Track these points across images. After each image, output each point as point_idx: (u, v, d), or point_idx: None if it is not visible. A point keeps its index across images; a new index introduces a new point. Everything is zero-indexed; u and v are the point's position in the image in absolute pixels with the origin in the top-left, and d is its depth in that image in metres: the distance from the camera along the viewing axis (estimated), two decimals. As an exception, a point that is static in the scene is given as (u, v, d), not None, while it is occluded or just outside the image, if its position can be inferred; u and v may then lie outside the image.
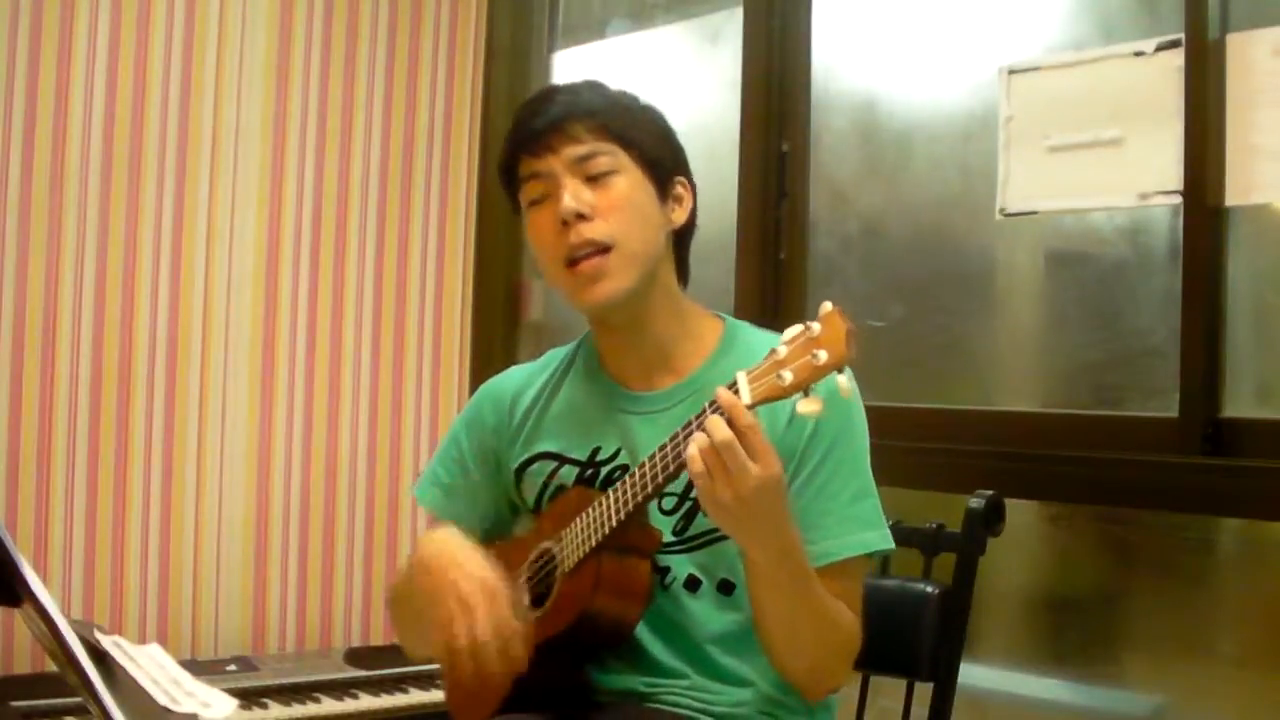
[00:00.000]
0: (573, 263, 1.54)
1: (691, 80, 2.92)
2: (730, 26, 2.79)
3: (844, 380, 1.29)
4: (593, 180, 1.55)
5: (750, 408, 1.32)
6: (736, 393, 1.33)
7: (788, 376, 1.29)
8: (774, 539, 1.39)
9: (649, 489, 1.43)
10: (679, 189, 1.62)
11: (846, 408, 1.52)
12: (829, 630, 1.48)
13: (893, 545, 1.56)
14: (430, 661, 1.80)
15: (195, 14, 2.85)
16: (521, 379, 1.74)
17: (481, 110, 3.23)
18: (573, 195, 1.53)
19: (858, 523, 1.53)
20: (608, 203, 1.54)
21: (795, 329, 1.31)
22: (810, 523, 1.49)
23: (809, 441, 1.52)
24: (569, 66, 3.27)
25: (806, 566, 1.44)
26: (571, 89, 1.62)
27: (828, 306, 1.30)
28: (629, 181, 1.56)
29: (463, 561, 1.50)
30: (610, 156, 1.55)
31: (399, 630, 1.78)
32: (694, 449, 1.35)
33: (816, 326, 1.29)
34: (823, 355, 1.27)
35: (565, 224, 1.53)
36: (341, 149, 3.05)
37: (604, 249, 1.53)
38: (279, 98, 2.96)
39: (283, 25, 2.97)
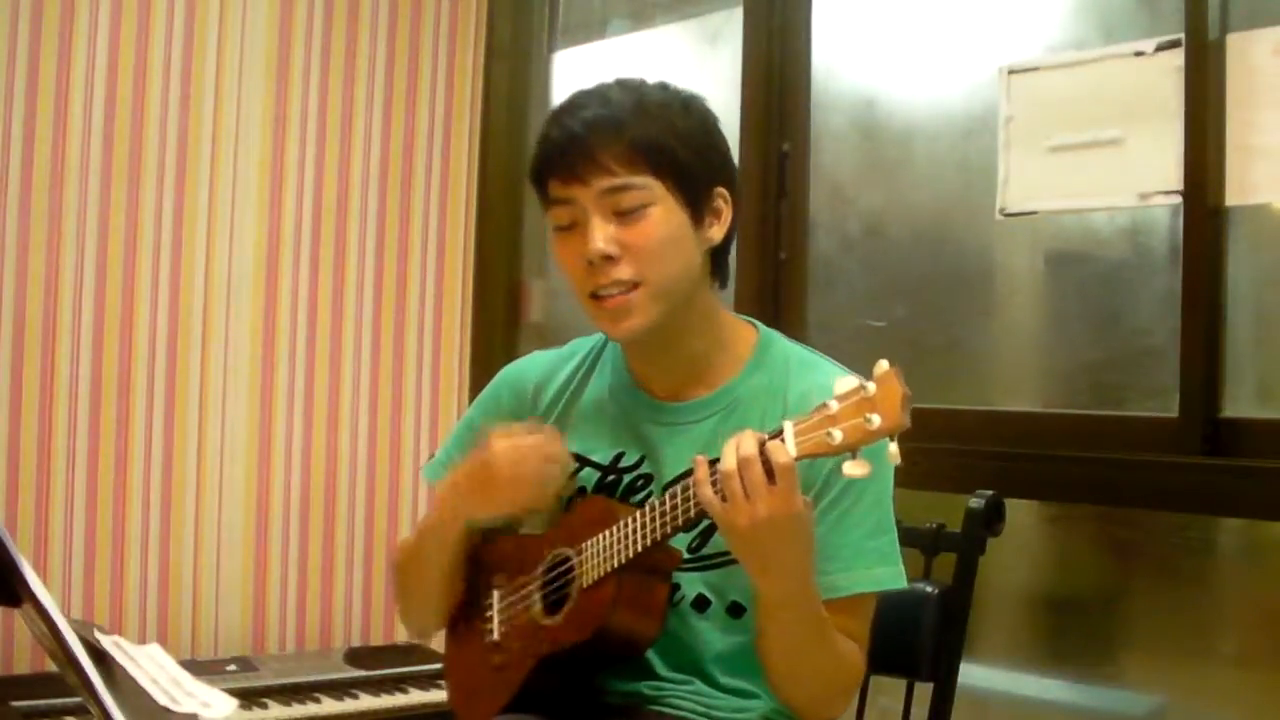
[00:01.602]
0: (597, 296, 1.50)
1: (691, 80, 2.89)
2: (730, 26, 2.79)
3: (894, 449, 1.24)
4: (622, 214, 1.47)
5: (795, 460, 1.30)
6: (781, 441, 1.30)
7: (837, 436, 1.25)
8: (785, 579, 1.37)
9: (679, 520, 1.40)
10: (718, 201, 1.55)
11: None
12: (831, 668, 1.47)
13: (905, 584, 1.53)
14: (431, 659, 1.80)
15: (195, 14, 2.85)
16: (545, 368, 1.70)
17: (481, 110, 3.23)
18: (602, 236, 1.47)
19: (873, 557, 1.50)
20: (638, 241, 1.47)
21: (849, 383, 1.27)
22: (826, 553, 1.46)
23: (832, 471, 1.46)
24: (569, 66, 3.27)
25: (817, 610, 1.42)
26: (605, 100, 1.51)
27: (884, 366, 1.25)
28: (661, 214, 1.48)
29: (469, 463, 1.58)
30: (642, 190, 1.47)
31: (405, 599, 1.76)
32: (703, 472, 1.34)
33: (872, 387, 1.24)
34: (876, 420, 1.23)
35: (592, 263, 1.48)
36: (341, 149, 3.05)
37: (631, 285, 1.49)
38: (279, 98, 2.96)
39: (283, 25, 2.97)
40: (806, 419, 1.29)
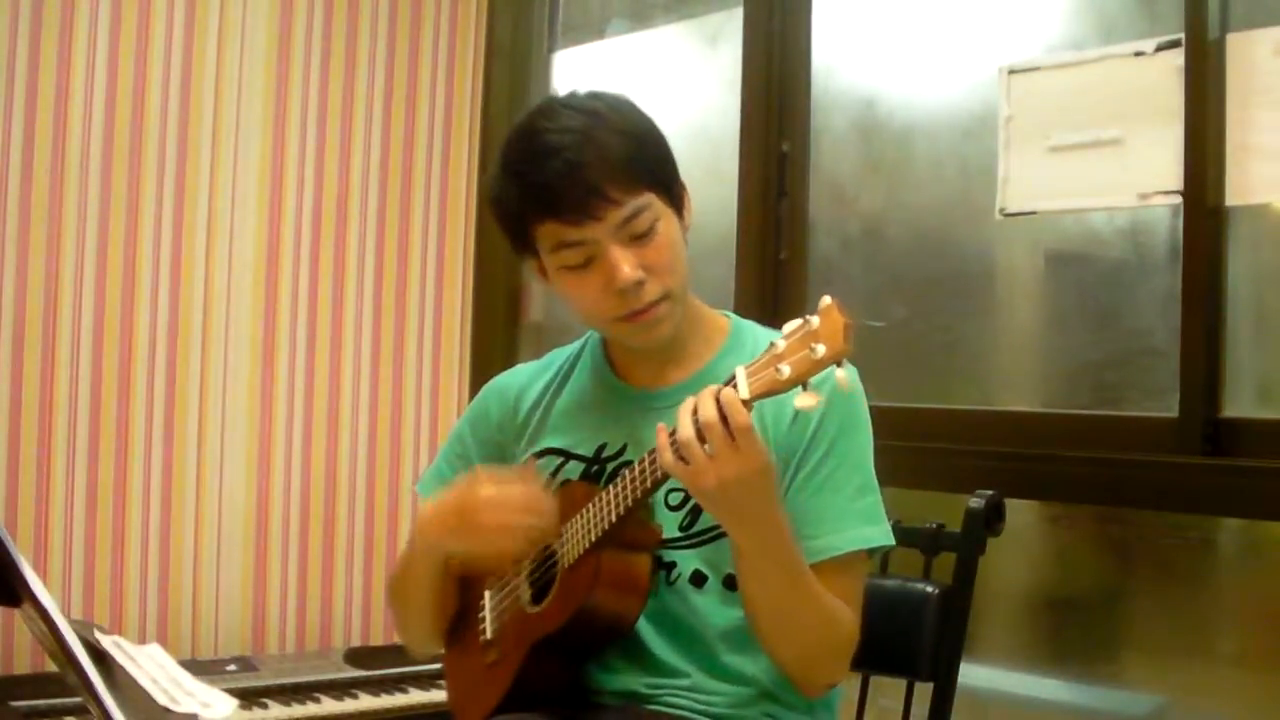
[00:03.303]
0: (629, 315, 1.53)
1: (691, 80, 2.92)
2: (730, 26, 2.79)
3: (842, 374, 1.28)
4: (638, 238, 1.49)
5: (748, 402, 1.32)
6: (735, 388, 1.33)
7: (785, 370, 1.28)
8: (758, 525, 1.40)
9: (647, 484, 1.43)
10: (679, 190, 1.59)
11: (850, 403, 1.53)
12: (820, 622, 1.47)
13: (893, 541, 1.56)
14: (431, 659, 1.81)
15: (195, 14, 2.85)
16: (527, 376, 1.75)
17: (481, 110, 3.23)
18: (629, 265, 1.48)
19: (859, 518, 1.52)
20: (656, 258, 1.50)
21: (794, 323, 1.30)
22: (811, 517, 1.49)
23: (812, 437, 1.52)
24: (569, 66, 3.27)
25: (794, 556, 1.44)
26: (583, 135, 1.48)
27: (826, 300, 1.28)
28: (665, 226, 1.52)
29: (447, 502, 1.56)
30: (649, 210, 1.50)
31: (402, 621, 1.78)
32: (665, 437, 1.36)
33: (815, 320, 1.28)
34: (820, 349, 1.26)
35: (623, 290, 1.49)
36: (341, 149, 3.05)
37: (662, 299, 1.52)
38: (279, 98, 2.96)
39: (283, 25, 2.97)
40: (756, 361, 1.32)
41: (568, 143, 1.48)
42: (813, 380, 1.29)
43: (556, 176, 1.47)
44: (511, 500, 1.51)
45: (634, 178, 1.49)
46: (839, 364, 1.27)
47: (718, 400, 1.33)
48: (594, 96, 1.56)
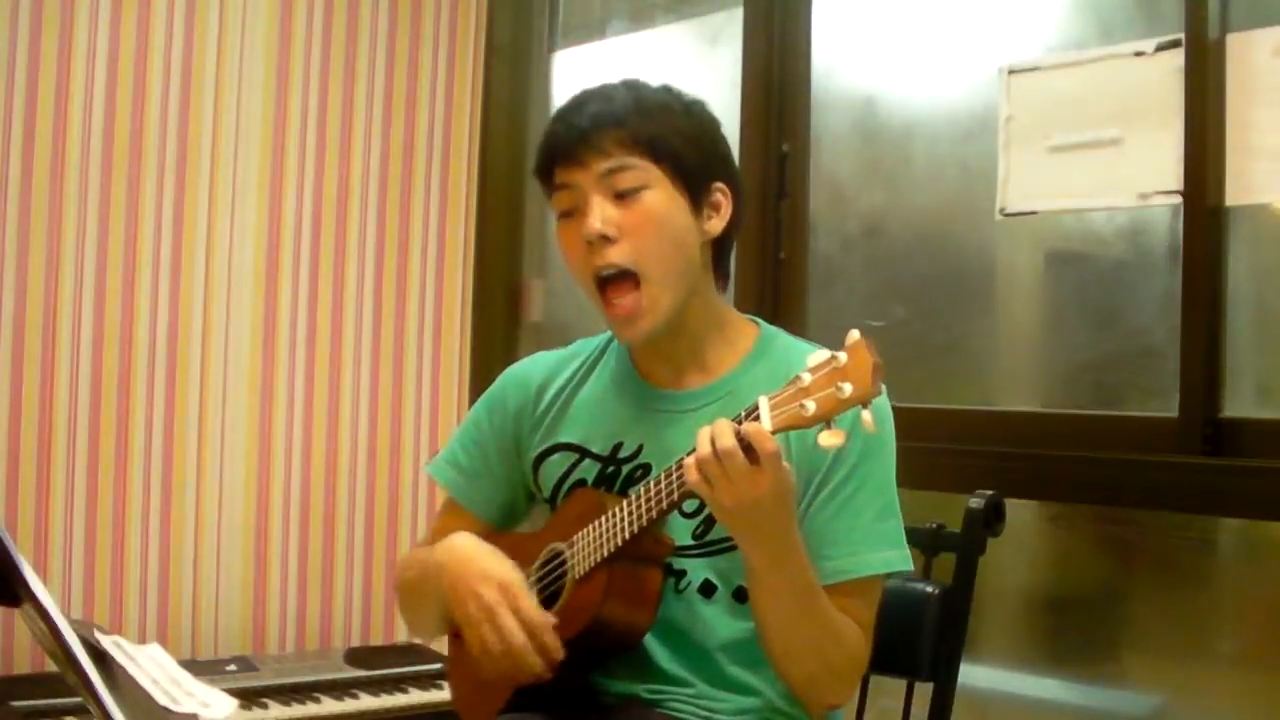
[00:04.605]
0: (602, 284, 1.52)
1: (691, 80, 2.90)
2: (730, 26, 2.79)
3: (868, 416, 1.26)
4: (621, 196, 1.51)
5: (771, 434, 1.31)
6: (757, 418, 1.31)
7: (810, 407, 1.27)
8: (772, 544, 1.39)
9: (663, 504, 1.41)
10: (717, 196, 1.57)
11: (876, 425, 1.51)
12: (829, 644, 1.47)
13: (911, 567, 1.54)
14: (436, 640, 1.80)
15: (195, 14, 2.85)
16: (549, 366, 1.72)
17: (481, 111, 3.23)
18: (599, 217, 1.50)
19: (879, 541, 1.51)
20: (634, 221, 1.50)
21: (821, 355, 1.28)
22: (832, 538, 1.48)
23: (835, 457, 1.49)
24: (569, 66, 3.27)
25: (808, 577, 1.43)
26: (605, 95, 1.56)
27: (854, 336, 1.27)
28: (658, 197, 1.51)
29: (478, 561, 1.53)
30: (639, 171, 1.51)
31: (407, 615, 1.79)
32: (692, 459, 1.34)
33: (843, 357, 1.26)
34: (847, 389, 1.24)
35: (590, 243, 1.51)
36: (341, 149, 3.05)
37: (632, 277, 1.50)
38: (279, 98, 2.96)
39: (283, 25, 2.97)
40: (781, 393, 1.31)
41: (592, 101, 1.55)
42: (838, 418, 1.27)
43: (564, 125, 1.55)
44: (531, 628, 1.47)
45: (635, 141, 1.51)
46: (865, 405, 1.25)
47: (738, 431, 1.31)
48: (661, 89, 1.59)
